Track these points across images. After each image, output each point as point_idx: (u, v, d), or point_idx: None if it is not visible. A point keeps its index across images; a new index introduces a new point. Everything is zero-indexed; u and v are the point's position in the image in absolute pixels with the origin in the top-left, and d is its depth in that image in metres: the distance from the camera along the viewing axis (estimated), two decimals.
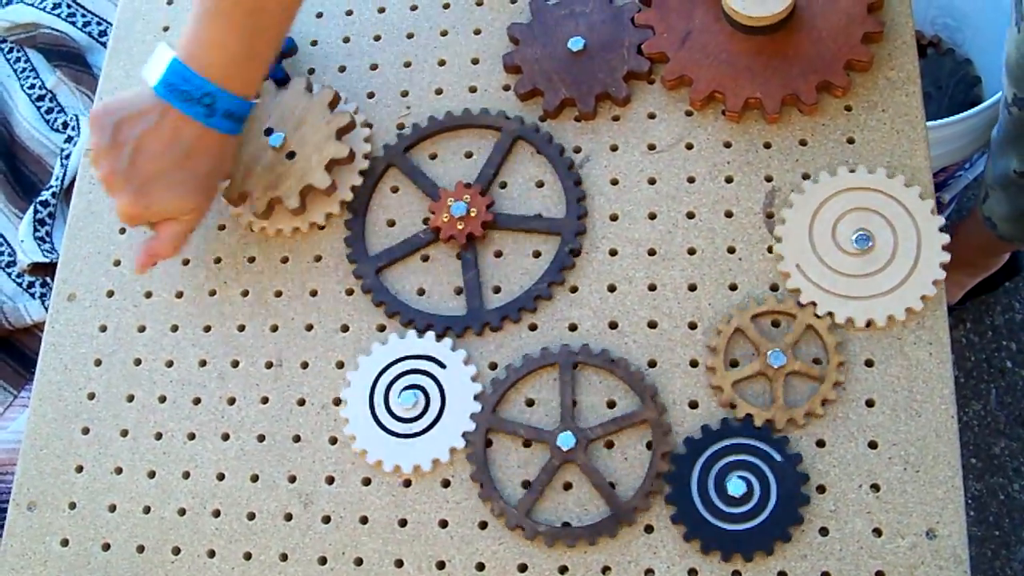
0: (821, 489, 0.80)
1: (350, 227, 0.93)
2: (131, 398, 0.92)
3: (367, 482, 0.85)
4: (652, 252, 0.89)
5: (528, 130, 0.94)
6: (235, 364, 0.91)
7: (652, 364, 0.85)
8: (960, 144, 1.40)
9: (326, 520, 0.85)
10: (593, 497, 0.82)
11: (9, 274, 1.34)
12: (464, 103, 0.97)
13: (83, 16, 1.45)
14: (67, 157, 1.34)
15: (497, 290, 0.90)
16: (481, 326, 0.88)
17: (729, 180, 0.90)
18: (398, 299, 0.90)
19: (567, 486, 0.83)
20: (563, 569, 0.81)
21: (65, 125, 1.39)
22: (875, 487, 0.79)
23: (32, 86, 1.43)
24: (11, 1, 1.45)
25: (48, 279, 1.30)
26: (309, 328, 0.91)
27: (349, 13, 1.03)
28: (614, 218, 0.90)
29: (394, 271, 0.92)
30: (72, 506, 0.89)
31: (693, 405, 0.83)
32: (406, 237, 0.92)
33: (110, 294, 0.96)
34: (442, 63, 0.99)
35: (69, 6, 1.45)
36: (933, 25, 1.59)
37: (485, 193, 0.92)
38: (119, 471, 0.90)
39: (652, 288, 0.88)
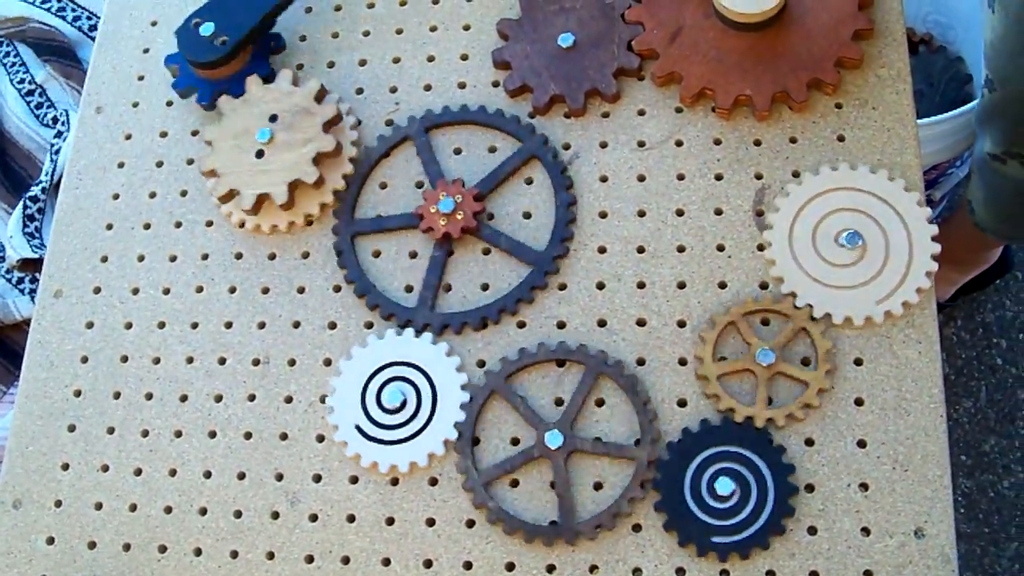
0: (810, 488, 0.79)
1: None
2: (117, 395, 0.91)
3: (354, 480, 0.85)
4: (641, 249, 0.88)
5: (547, 152, 0.92)
6: (222, 361, 0.91)
7: (641, 362, 0.85)
8: (951, 141, 1.39)
9: (313, 518, 0.85)
10: (581, 497, 0.82)
11: None
12: (453, 99, 0.96)
13: (73, 10, 1.45)
14: (57, 152, 1.33)
15: (485, 287, 0.89)
16: (422, 327, 0.88)
17: (719, 177, 0.90)
18: (384, 296, 0.90)
19: (554, 484, 0.82)
20: (551, 568, 0.80)
21: (55, 120, 1.38)
22: (864, 486, 0.79)
23: (21, 81, 1.43)
24: None
25: (37, 275, 1.29)
26: (296, 325, 0.91)
27: (338, 8, 1.02)
28: (603, 215, 0.90)
29: (382, 267, 0.91)
30: (58, 504, 0.89)
31: (682, 404, 0.83)
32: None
33: (97, 290, 0.95)
34: (431, 59, 0.99)
35: (59, 0, 1.44)
36: (925, 22, 1.59)
37: (480, 199, 0.91)
38: (105, 469, 0.89)
39: (641, 286, 0.87)
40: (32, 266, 1.30)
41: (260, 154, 0.91)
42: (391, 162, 0.95)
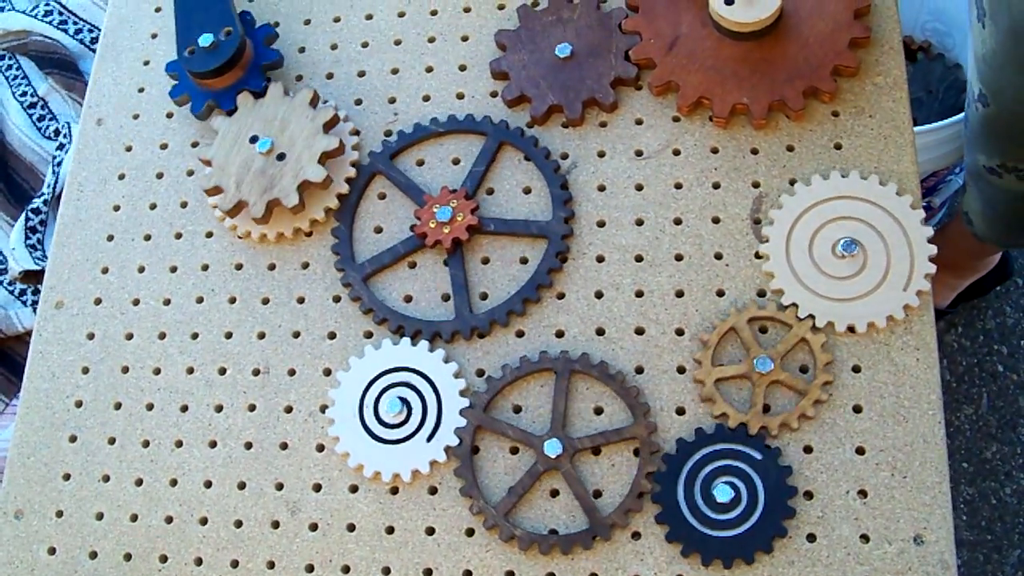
0: (808, 495, 0.80)
1: (337, 235, 0.93)
2: (118, 406, 0.92)
3: (354, 489, 0.85)
4: (639, 258, 0.89)
5: (513, 134, 0.94)
6: (222, 371, 0.91)
7: (639, 370, 0.85)
8: (950, 148, 1.39)
9: (313, 528, 0.85)
10: (578, 506, 0.82)
11: (0, 282, 1.34)
12: (452, 109, 0.97)
13: (75, 23, 1.45)
14: (59, 164, 1.34)
15: (484, 296, 0.90)
16: (470, 331, 0.88)
17: (716, 186, 0.90)
18: (385, 305, 0.90)
19: (554, 493, 0.83)
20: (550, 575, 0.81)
21: (57, 132, 1.39)
22: (862, 493, 0.79)
23: (24, 93, 1.44)
24: (2, 8, 1.45)
25: (40, 287, 1.30)
26: (296, 335, 0.91)
27: (337, 20, 1.03)
28: (601, 224, 0.90)
29: (382, 278, 0.92)
30: (59, 514, 0.89)
31: (680, 411, 0.83)
32: (392, 244, 0.93)
33: (97, 301, 0.96)
34: (430, 70, 0.99)
35: (61, 13, 1.45)
36: (923, 30, 1.59)
37: (471, 197, 0.92)
38: (106, 479, 0.89)
39: (639, 294, 0.88)
40: (34, 278, 1.31)
41: (263, 163, 0.92)
42: (376, 191, 0.96)
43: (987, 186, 1.27)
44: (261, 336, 0.92)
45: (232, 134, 0.94)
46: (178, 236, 0.97)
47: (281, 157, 0.92)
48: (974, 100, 1.18)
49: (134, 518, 0.88)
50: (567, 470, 0.82)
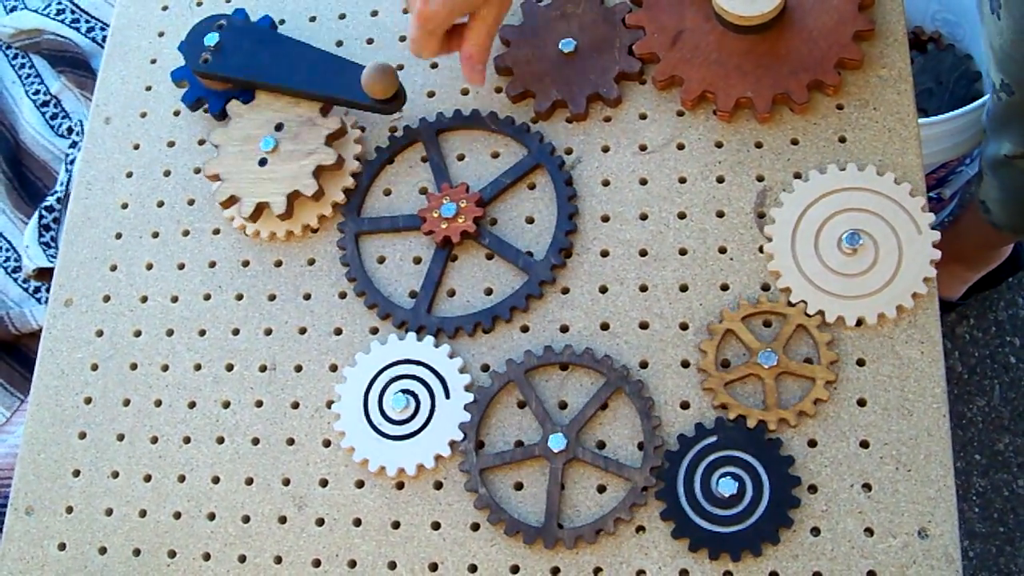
0: (812, 489, 0.80)
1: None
2: (127, 402, 0.92)
3: (360, 484, 0.86)
4: (643, 253, 0.89)
5: (553, 162, 0.92)
6: (229, 368, 0.92)
7: (644, 365, 0.85)
8: (961, 139, 1.39)
9: (320, 523, 0.85)
10: (585, 498, 0.82)
11: (15, 279, 1.35)
12: (456, 105, 0.97)
13: (87, 21, 1.46)
14: (72, 162, 1.35)
15: (489, 292, 0.90)
16: (418, 329, 0.89)
17: (720, 180, 0.90)
18: (390, 301, 0.90)
19: (560, 486, 0.83)
20: (555, 570, 0.81)
21: (70, 130, 1.40)
22: (867, 487, 0.79)
23: (37, 92, 1.45)
24: (15, 7, 1.46)
25: None
26: (302, 331, 0.92)
27: (342, 17, 1.03)
28: (605, 219, 0.90)
29: (386, 273, 0.92)
30: (69, 510, 0.90)
31: (684, 406, 0.83)
32: (394, 215, 0.94)
33: (106, 299, 0.96)
34: (434, 66, 0.99)
35: (73, 12, 1.46)
36: (933, 20, 1.59)
37: (482, 205, 0.92)
38: (115, 475, 0.90)
39: (643, 289, 0.88)
40: (48, 275, 1.32)
41: (263, 162, 0.92)
42: (396, 168, 0.96)
43: (1009, 174, 1.27)
44: (268, 332, 0.92)
45: (243, 124, 0.94)
46: (185, 233, 0.97)
47: (280, 160, 0.92)
48: (996, 90, 1.17)
49: (143, 514, 0.89)
50: (554, 468, 0.82)
